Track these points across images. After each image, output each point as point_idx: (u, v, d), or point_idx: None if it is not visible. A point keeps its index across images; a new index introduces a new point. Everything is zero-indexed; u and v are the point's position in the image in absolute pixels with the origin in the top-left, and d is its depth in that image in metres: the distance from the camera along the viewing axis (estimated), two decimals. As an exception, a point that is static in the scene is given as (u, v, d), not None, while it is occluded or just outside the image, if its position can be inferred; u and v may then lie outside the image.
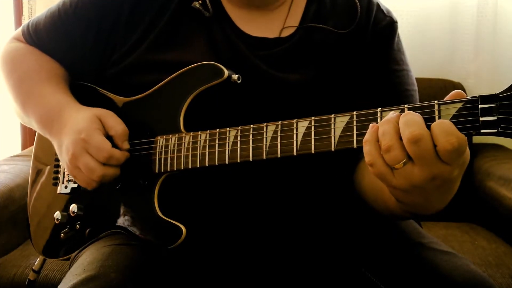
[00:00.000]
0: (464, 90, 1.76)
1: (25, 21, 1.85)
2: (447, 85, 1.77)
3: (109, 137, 0.92)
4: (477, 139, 1.75)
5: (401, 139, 0.64)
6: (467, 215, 1.64)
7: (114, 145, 0.91)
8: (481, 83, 1.80)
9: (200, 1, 0.97)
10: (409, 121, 0.64)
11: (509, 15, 1.76)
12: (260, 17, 0.99)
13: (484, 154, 1.69)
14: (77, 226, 0.99)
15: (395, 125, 0.65)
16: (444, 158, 0.63)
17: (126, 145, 0.92)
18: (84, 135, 0.89)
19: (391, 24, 1.00)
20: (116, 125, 0.92)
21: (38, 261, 1.12)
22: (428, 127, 0.64)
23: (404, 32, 1.04)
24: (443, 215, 1.62)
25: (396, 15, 1.03)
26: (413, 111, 0.68)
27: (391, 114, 0.67)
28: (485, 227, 1.56)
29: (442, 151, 0.62)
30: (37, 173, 1.12)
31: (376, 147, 0.67)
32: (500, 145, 1.77)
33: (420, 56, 1.81)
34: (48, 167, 1.09)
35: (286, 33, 0.98)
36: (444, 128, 0.62)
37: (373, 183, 0.86)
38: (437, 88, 1.73)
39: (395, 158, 0.65)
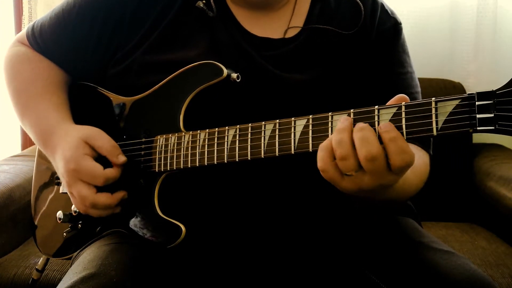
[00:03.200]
0: (464, 90, 1.77)
1: (25, 21, 1.85)
2: (447, 85, 1.77)
3: (101, 157, 0.92)
4: (477, 139, 1.75)
5: (354, 147, 0.69)
6: (467, 215, 1.64)
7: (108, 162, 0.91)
8: (481, 83, 1.80)
9: (204, 1, 0.97)
10: (365, 138, 0.69)
11: (509, 15, 1.77)
12: (264, 17, 0.99)
13: (484, 154, 1.69)
14: (79, 225, 1.00)
15: (349, 135, 0.70)
16: (395, 172, 0.70)
17: (121, 159, 0.91)
18: (74, 165, 0.89)
19: (395, 26, 1.00)
20: (105, 144, 0.92)
21: (41, 260, 1.12)
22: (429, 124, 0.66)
23: (404, 32, 1.04)
24: (443, 215, 1.64)
25: (397, 15, 1.03)
26: (411, 109, 0.69)
27: (345, 122, 0.71)
28: (485, 227, 1.56)
29: (395, 167, 0.69)
30: (41, 173, 1.12)
31: (329, 155, 0.71)
32: (500, 145, 1.77)
33: (420, 56, 1.80)
34: (51, 167, 1.09)
35: (290, 33, 0.98)
36: (399, 146, 0.68)
37: None
38: (437, 88, 1.73)
39: (349, 167, 0.70)
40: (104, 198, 0.90)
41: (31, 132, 1.02)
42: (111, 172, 0.90)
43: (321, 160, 0.72)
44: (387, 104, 0.72)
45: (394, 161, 0.68)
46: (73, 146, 0.91)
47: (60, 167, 0.93)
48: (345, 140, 0.70)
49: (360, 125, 0.70)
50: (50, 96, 1.02)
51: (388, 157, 0.68)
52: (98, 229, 0.97)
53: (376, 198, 0.81)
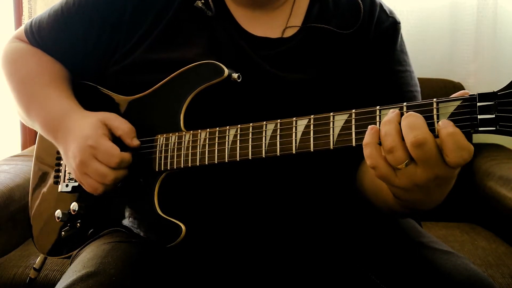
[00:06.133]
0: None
1: (25, 21, 1.85)
2: (447, 85, 1.77)
3: (116, 139, 0.92)
4: (477, 139, 1.75)
5: (403, 139, 0.66)
6: (467, 215, 1.64)
7: (122, 146, 0.91)
8: (481, 83, 1.80)
9: (202, 0, 0.97)
10: (411, 123, 0.65)
11: (509, 15, 1.77)
12: (263, 16, 0.99)
13: (484, 154, 1.69)
14: (78, 224, 1.00)
15: (396, 126, 0.66)
16: (452, 166, 0.65)
17: (135, 142, 0.93)
18: (91, 141, 0.89)
19: (394, 25, 1.00)
20: (122, 124, 0.93)
21: (39, 259, 1.12)
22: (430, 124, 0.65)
23: (404, 32, 1.04)
24: (443, 215, 1.64)
25: (396, 14, 1.04)
26: (412, 109, 0.68)
27: (391, 114, 0.68)
28: (485, 227, 1.56)
29: (452, 163, 0.64)
30: (39, 173, 1.12)
31: (377, 149, 0.68)
32: (500, 145, 1.77)
33: (420, 56, 1.81)
34: (50, 167, 1.09)
35: (288, 33, 0.98)
36: (457, 141, 0.64)
37: (372, 181, 0.87)
38: (437, 88, 1.73)
39: (398, 159, 0.66)
40: (123, 172, 0.90)
41: (39, 119, 1.00)
42: (127, 155, 0.90)
43: (370, 156, 0.68)
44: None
45: (451, 158, 0.64)
46: (92, 125, 0.92)
47: (72, 147, 0.92)
48: (391, 131, 0.66)
49: (408, 113, 0.67)
50: (59, 85, 1.03)
51: (444, 153, 0.64)
52: (97, 228, 0.97)
53: (433, 199, 0.74)
